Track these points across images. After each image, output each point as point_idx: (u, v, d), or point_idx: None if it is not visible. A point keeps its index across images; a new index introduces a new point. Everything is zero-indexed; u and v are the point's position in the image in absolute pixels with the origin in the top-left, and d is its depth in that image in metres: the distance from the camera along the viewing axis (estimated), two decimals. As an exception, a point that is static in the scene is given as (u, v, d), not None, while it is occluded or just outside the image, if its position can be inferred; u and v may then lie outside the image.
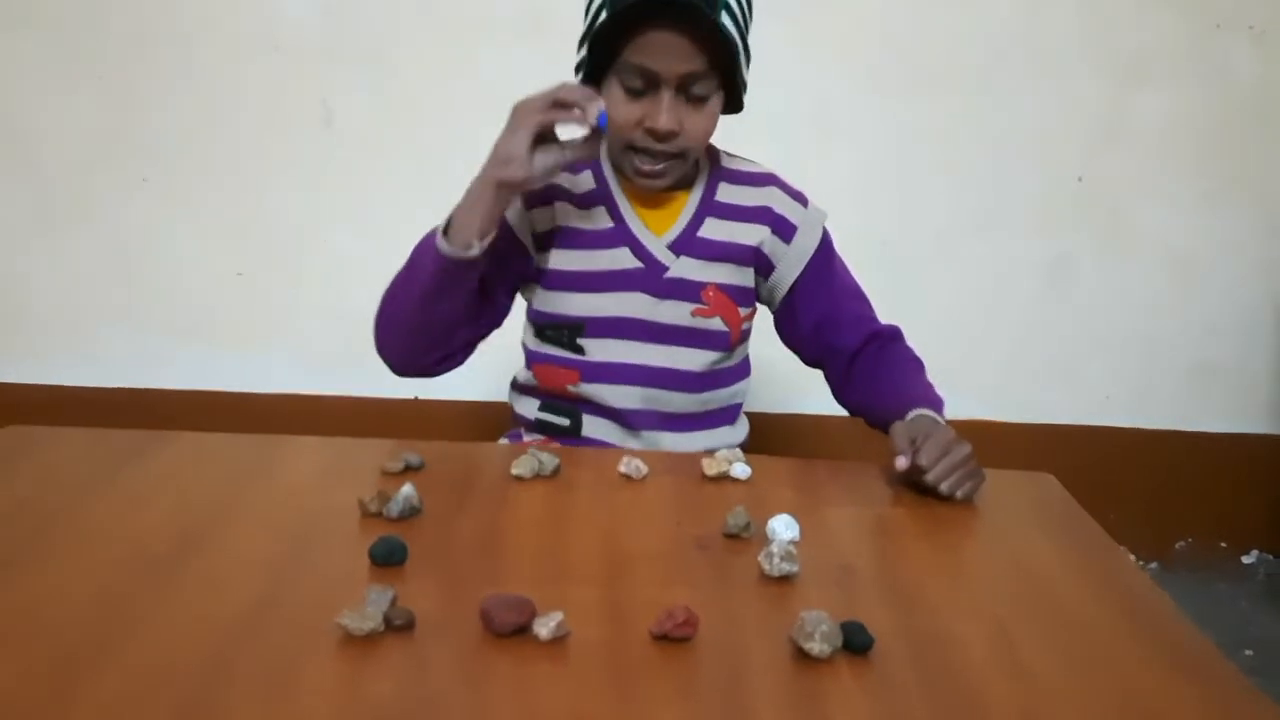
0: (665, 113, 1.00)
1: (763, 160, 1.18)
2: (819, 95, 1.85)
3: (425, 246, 1.02)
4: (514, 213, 1.09)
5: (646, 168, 1.05)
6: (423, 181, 1.86)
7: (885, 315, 1.21)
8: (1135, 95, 1.91)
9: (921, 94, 1.88)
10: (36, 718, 0.58)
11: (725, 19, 0.98)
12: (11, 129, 1.82)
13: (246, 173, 1.86)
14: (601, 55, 1.02)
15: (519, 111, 0.98)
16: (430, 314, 1.04)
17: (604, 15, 0.99)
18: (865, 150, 1.90)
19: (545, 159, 0.98)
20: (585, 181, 1.11)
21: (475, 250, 1.00)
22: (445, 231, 1.01)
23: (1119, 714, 0.66)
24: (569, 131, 0.99)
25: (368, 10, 1.80)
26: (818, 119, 1.86)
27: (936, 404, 1.08)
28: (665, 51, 0.98)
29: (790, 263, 1.14)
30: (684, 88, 1.01)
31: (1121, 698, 0.67)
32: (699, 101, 1.02)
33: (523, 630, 0.68)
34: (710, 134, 1.07)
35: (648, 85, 1.00)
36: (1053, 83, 1.89)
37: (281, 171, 1.86)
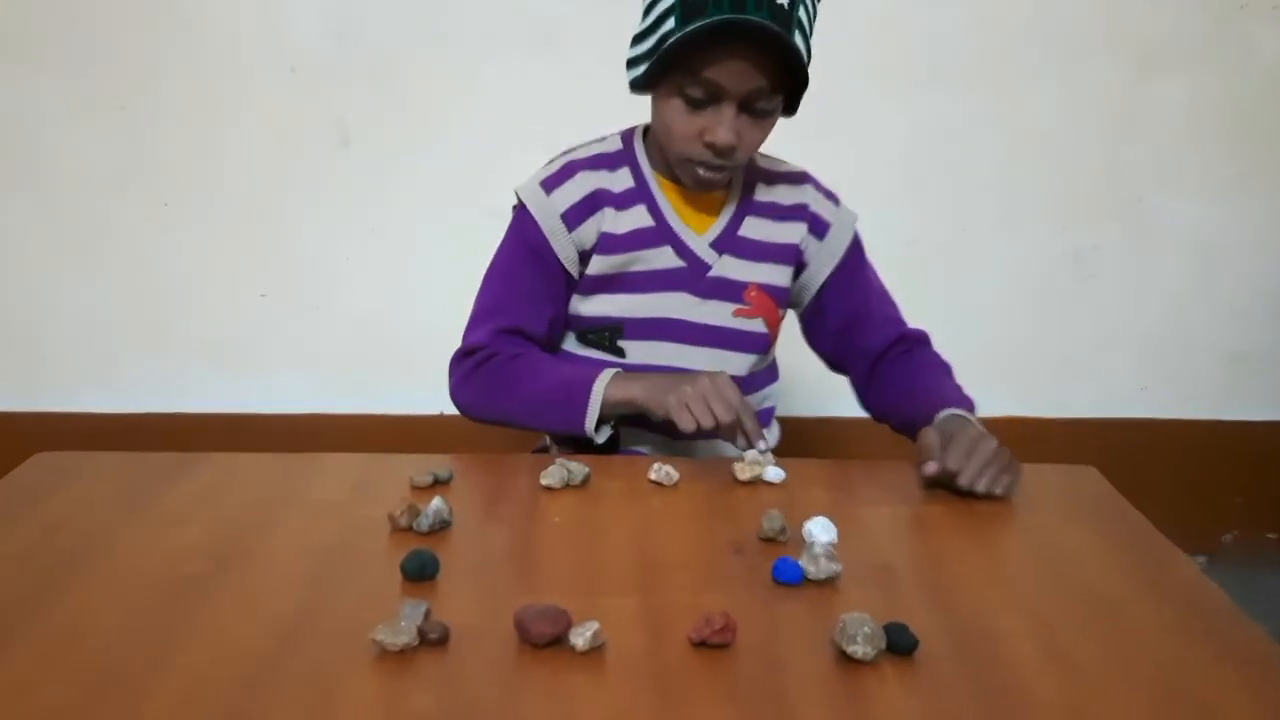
0: (726, 127, 0.98)
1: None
2: (837, 93, 1.83)
3: (554, 410, 1.04)
4: (561, 240, 1.07)
5: (705, 175, 1.03)
6: (441, 197, 1.87)
7: (911, 315, 1.20)
8: (1156, 82, 1.88)
9: (938, 88, 1.86)
10: (73, 742, 0.58)
11: (798, 38, 0.96)
12: (35, 161, 1.84)
13: (265, 194, 1.87)
14: (668, 66, 0.98)
15: (677, 402, 0.98)
16: (530, 430, 1.12)
17: (671, 24, 0.96)
18: (886, 148, 1.88)
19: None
20: (623, 180, 1.09)
21: (605, 434, 1.04)
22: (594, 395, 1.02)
23: (1172, 708, 0.64)
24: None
25: (380, 29, 1.80)
26: (836, 117, 1.84)
27: (966, 404, 1.06)
28: (736, 70, 0.96)
29: (822, 262, 1.13)
30: (748, 103, 0.99)
31: (1174, 691, 0.65)
32: (761, 116, 1.00)
33: (558, 641, 0.67)
34: (763, 143, 1.05)
35: (711, 99, 0.98)
36: (1071, 72, 1.87)
37: (300, 191, 1.87)
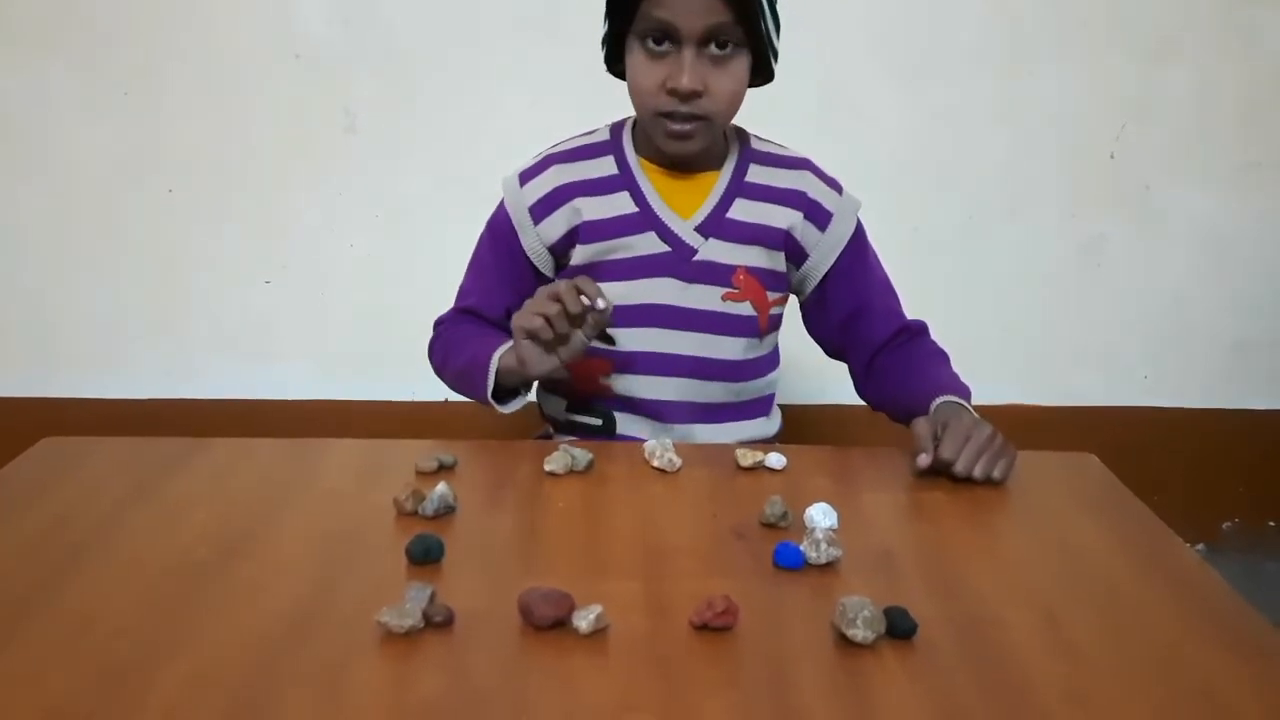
0: (687, 71, 0.98)
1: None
2: (842, 80, 1.83)
3: (475, 383, 1.06)
4: (529, 235, 1.10)
5: (675, 127, 1.02)
6: (447, 185, 1.87)
7: (916, 303, 1.20)
8: (1165, 70, 1.87)
9: (947, 75, 1.86)
10: (84, 722, 0.59)
11: None
12: (39, 147, 1.84)
13: (271, 181, 1.87)
14: (622, 17, 1.00)
15: (513, 328, 1.00)
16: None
17: None
18: (891, 135, 1.88)
19: (565, 350, 1.00)
20: (605, 167, 1.10)
21: (518, 404, 1.07)
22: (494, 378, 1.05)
23: (1172, 695, 0.64)
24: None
25: (387, 15, 1.80)
26: (841, 104, 1.84)
27: (962, 391, 1.06)
28: (685, 5, 0.96)
29: (824, 251, 1.12)
30: (706, 43, 0.98)
31: (1174, 677, 0.66)
32: (723, 60, 1.00)
33: (562, 624, 0.68)
34: (738, 98, 1.04)
35: (669, 42, 0.99)
36: (1081, 60, 1.86)
37: (306, 179, 1.87)
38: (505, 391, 1.06)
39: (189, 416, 1.94)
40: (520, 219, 1.11)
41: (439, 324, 1.18)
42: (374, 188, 1.88)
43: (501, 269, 1.14)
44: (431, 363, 1.18)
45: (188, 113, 1.83)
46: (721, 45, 0.99)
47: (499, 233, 1.13)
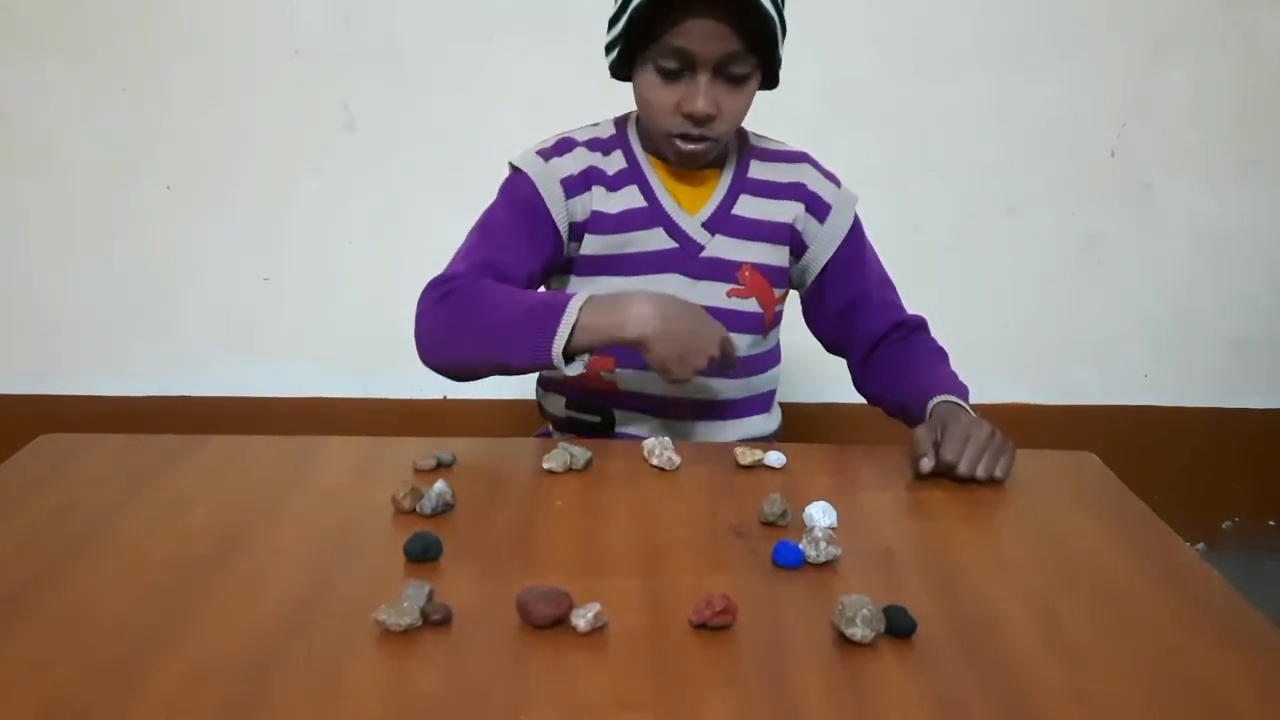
0: (703, 96, 0.99)
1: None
2: (844, 78, 1.83)
3: (520, 334, 0.96)
4: (558, 204, 1.07)
5: (686, 148, 1.03)
6: (446, 182, 1.87)
7: (918, 299, 1.20)
8: (1165, 67, 1.87)
9: (948, 73, 1.86)
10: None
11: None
12: (37, 143, 1.84)
13: (269, 178, 1.87)
14: (635, 36, 1.00)
15: (708, 337, 0.97)
16: (494, 368, 1.00)
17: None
18: (893, 133, 1.87)
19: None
20: (616, 162, 1.10)
21: (578, 367, 0.97)
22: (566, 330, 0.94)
23: (1172, 694, 0.64)
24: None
25: (387, 12, 1.80)
26: (844, 102, 1.84)
27: (960, 391, 1.06)
28: (705, 34, 0.96)
29: (823, 244, 1.13)
30: (722, 69, 0.99)
31: (1174, 675, 0.66)
32: (737, 82, 1.00)
33: (560, 622, 0.68)
34: (746, 113, 1.05)
35: (684, 67, 0.99)
36: (1080, 56, 1.86)
37: (305, 176, 1.87)
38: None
39: (187, 413, 1.94)
40: (550, 189, 1.06)
41: (451, 279, 1.02)
42: (373, 185, 1.88)
43: (526, 236, 1.07)
44: (428, 322, 1.02)
45: (186, 109, 1.83)
46: (737, 69, 0.99)
47: (522, 203, 1.07)
